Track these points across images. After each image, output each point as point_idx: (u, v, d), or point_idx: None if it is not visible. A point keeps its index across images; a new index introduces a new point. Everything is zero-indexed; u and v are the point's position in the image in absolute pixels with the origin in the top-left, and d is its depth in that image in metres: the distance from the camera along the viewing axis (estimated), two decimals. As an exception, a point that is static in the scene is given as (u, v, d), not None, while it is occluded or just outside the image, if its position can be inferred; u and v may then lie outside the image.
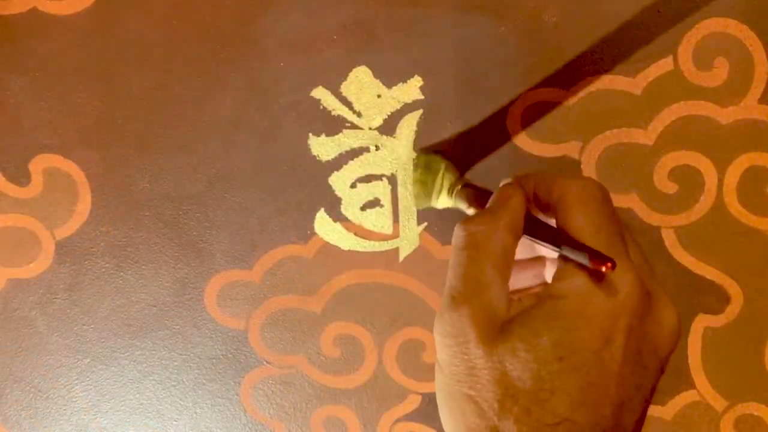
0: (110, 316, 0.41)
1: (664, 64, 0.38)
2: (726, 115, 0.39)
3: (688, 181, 0.39)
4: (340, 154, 0.39)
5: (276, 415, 0.41)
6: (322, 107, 0.39)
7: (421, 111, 0.39)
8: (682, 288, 0.40)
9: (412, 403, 0.41)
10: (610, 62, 0.38)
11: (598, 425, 0.24)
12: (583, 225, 0.27)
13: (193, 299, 0.40)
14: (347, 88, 0.39)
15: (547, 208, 0.29)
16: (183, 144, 0.39)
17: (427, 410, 0.41)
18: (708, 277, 0.40)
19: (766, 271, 0.40)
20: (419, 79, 0.39)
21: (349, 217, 0.40)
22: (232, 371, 0.41)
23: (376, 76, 0.39)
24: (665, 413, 0.41)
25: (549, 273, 0.32)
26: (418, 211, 0.39)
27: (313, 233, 0.40)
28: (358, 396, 0.41)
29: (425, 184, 0.37)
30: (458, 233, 0.28)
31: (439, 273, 0.40)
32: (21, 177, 0.39)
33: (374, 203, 0.40)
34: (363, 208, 0.40)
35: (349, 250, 0.40)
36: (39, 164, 0.39)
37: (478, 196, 0.34)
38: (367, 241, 0.40)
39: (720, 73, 0.38)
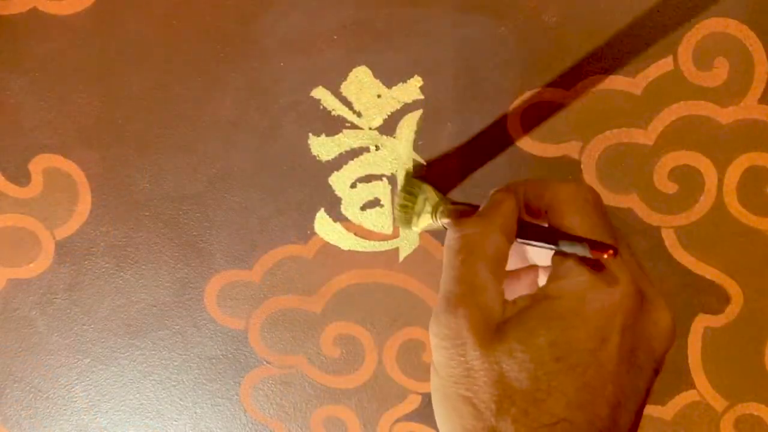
0: (110, 316, 0.41)
1: (664, 64, 0.38)
2: (726, 115, 0.39)
3: (688, 181, 0.39)
4: (340, 154, 0.39)
5: (276, 415, 0.41)
6: (322, 107, 0.39)
7: (421, 111, 0.39)
8: (682, 288, 0.40)
9: (412, 403, 0.41)
10: (610, 62, 0.38)
11: (595, 425, 0.24)
12: (577, 225, 0.27)
13: (193, 299, 0.40)
14: (347, 88, 0.39)
15: (538, 214, 0.29)
16: (183, 144, 0.39)
17: (427, 410, 0.41)
18: (708, 277, 0.40)
19: (766, 271, 0.40)
20: (419, 79, 0.39)
21: (349, 217, 0.40)
22: (232, 371, 0.41)
23: (376, 76, 0.39)
24: (665, 413, 0.41)
25: (542, 281, 0.32)
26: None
27: (313, 233, 0.40)
28: (358, 396, 0.41)
29: (406, 209, 0.38)
30: (451, 236, 0.28)
31: (439, 273, 0.40)
32: (21, 177, 0.39)
33: (374, 203, 0.40)
34: (363, 208, 0.40)
35: (349, 250, 0.40)
36: (39, 164, 0.39)
37: (464, 212, 0.34)
38: (367, 241, 0.40)
39: (720, 73, 0.38)
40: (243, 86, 0.39)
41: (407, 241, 0.40)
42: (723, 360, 0.40)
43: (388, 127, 0.39)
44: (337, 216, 0.40)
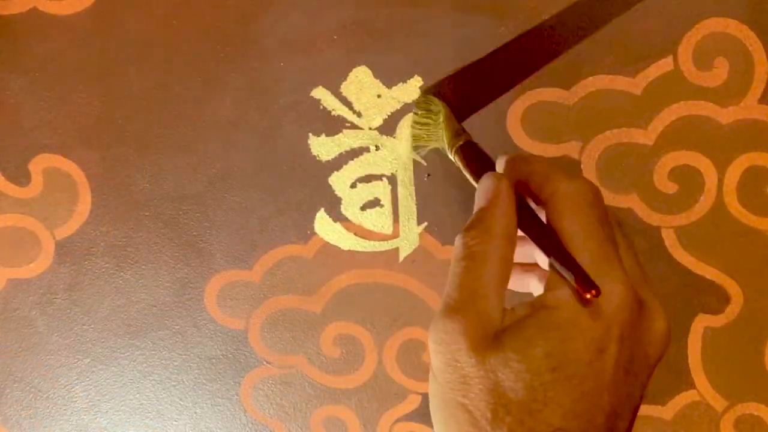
0: (110, 316, 0.41)
1: (664, 64, 0.38)
2: (726, 115, 0.39)
3: (688, 181, 0.39)
4: (340, 154, 0.39)
5: (276, 415, 0.41)
6: (322, 107, 0.39)
7: (421, 111, 0.39)
8: (682, 288, 0.40)
9: (412, 403, 0.41)
10: (610, 62, 0.38)
11: None
12: (574, 230, 0.27)
13: (193, 299, 0.40)
14: (347, 88, 0.39)
15: (539, 201, 0.29)
16: (183, 144, 0.39)
17: (428, 410, 0.41)
18: (708, 277, 0.40)
19: (766, 271, 0.40)
20: (419, 79, 0.39)
21: (349, 217, 0.40)
22: (232, 371, 0.41)
23: (376, 76, 0.39)
24: (665, 413, 0.41)
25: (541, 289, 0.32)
26: (418, 211, 0.39)
27: (313, 233, 0.40)
28: (358, 396, 0.41)
29: (427, 127, 0.37)
30: (457, 244, 0.28)
31: (439, 273, 0.40)
32: (21, 177, 0.39)
33: (374, 203, 0.40)
34: (363, 208, 0.40)
35: (349, 250, 0.40)
36: (39, 164, 0.39)
37: (474, 163, 0.33)
38: (367, 241, 0.40)
39: (720, 73, 0.38)
40: (243, 86, 0.39)
41: (407, 241, 0.40)
42: (723, 360, 0.40)
43: (388, 127, 0.39)
44: (337, 216, 0.40)
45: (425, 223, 0.40)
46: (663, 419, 0.41)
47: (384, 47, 0.38)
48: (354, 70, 0.39)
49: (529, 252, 0.32)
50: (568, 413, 0.24)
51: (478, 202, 0.29)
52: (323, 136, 0.39)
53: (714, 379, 0.41)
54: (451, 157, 0.35)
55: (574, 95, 0.39)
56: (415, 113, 0.38)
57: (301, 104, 0.39)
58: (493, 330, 0.26)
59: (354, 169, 0.39)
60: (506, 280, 0.27)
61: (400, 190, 0.39)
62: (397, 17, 0.38)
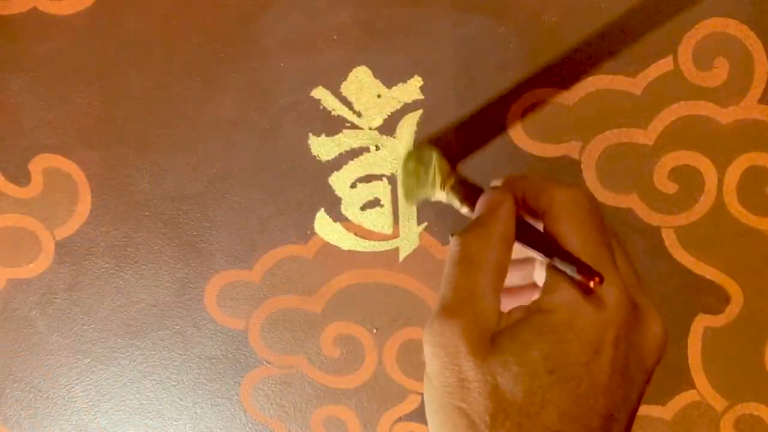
0: (110, 316, 0.41)
1: (664, 64, 0.38)
2: (726, 115, 0.39)
3: (688, 181, 0.39)
4: (340, 154, 0.39)
5: (276, 415, 0.41)
6: (322, 107, 0.39)
7: (421, 111, 0.39)
8: (682, 288, 0.40)
9: (412, 403, 0.41)
10: (610, 62, 0.38)
11: None
12: (570, 237, 0.27)
13: (193, 299, 0.40)
14: (347, 88, 0.39)
15: (536, 214, 0.29)
16: (183, 144, 0.39)
17: (427, 410, 0.41)
18: (708, 277, 0.40)
19: (766, 271, 0.40)
20: (419, 79, 0.39)
21: (349, 217, 0.40)
22: (232, 371, 0.41)
23: (376, 76, 0.39)
24: (665, 413, 0.41)
25: (538, 274, 0.32)
26: (418, 211, 0.39)
27: (313, 233, 0.40)
28: (358, 396, 0.41)
29: (417, 176, 0.37)
30: (453, 246, 0.28)
31: (439, 273, 0.40)
32: (21, 177, 0.39)
33: (374, 203, 0.40)
34: (363, 208, 0.40)
35: (349, 250, 0.40)
36: (39, 164, 0.39)
37: (469, 193, 0.34)
38: (367, 241, 0.40)
39: (720, 73, 0.38)
40: (243, 86, 0.39)
41: (407, 241, 0.40)
42: (723, 360, 0.40)
43: (388, 127, 0.39)
44: (337, 216, 0.40)
45: (425, 223, 0.40)
46: (663, 419, 0.41)
47: (384, 47, 0.38)
48: (354, 70, 0.39)
49: (527, 274, 0.32)
50: (565, 416, 0.24)
51: (479, 210, 0.29)
52: (323, 136, 0.39)
53: (714, 379, 0.41)
54: (444, 198, 0.36)
55: (574, 95, 0.39)
56: (407, 163, 0.38)
57: (301, 104, 0.39)
58: (490, 332, 0.26)
59: (354, 169, 0.39)
60: (502, 282, 0.28)
61: (400, 190, 0.39)
62: (397, 17, 0.38)
